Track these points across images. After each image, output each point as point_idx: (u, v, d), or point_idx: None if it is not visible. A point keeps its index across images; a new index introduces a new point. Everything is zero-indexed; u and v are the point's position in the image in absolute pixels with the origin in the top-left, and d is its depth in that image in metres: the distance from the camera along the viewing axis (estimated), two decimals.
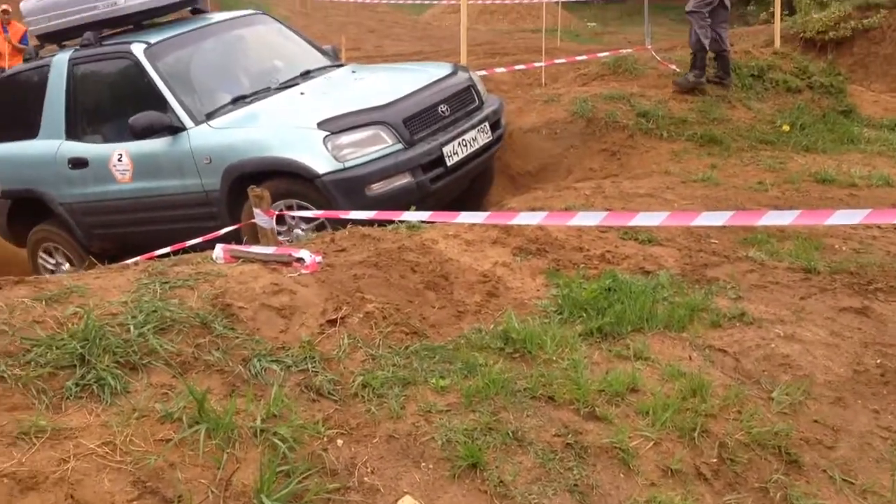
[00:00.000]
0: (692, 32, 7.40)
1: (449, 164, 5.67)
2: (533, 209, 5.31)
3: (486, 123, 6.09)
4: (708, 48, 7.48)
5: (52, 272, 6.96)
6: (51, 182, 6.50)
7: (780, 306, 3.66)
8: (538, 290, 3.80)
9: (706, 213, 3.33)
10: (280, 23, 7.14)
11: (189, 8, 6.90)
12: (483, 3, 23.95)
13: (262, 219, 3.72)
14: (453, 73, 6.18)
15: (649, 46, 8.45)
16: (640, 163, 6.79)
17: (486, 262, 4.00)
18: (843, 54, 13.64)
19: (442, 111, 5.82)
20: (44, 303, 3.04)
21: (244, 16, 6.87)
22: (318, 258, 3.68)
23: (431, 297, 3.61)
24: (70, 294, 3.14)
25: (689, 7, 7.37)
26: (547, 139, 7.24)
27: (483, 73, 8.97)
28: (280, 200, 5.50)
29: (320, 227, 5.49)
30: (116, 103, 6.43)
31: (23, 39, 12.69)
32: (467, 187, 6.37)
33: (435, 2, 26.36)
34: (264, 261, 3.66)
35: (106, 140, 6.31)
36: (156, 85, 5.92)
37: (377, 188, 5.36)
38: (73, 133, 6.44)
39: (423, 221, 4.05)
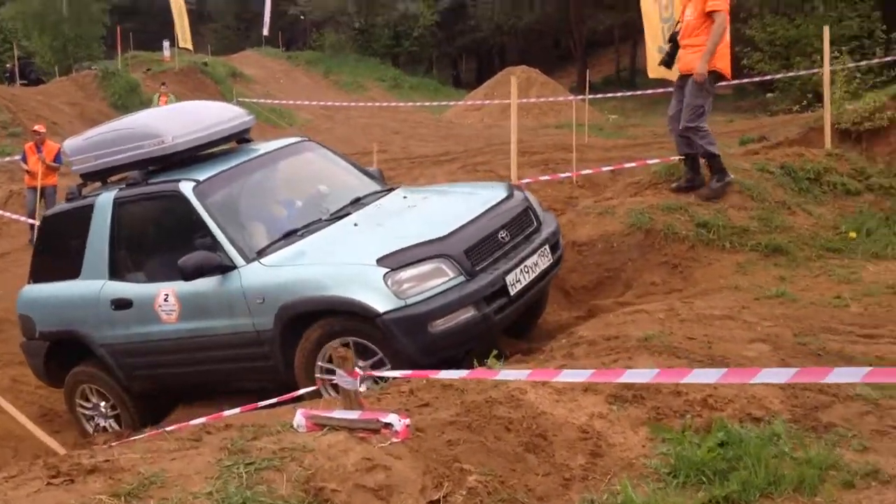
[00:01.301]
0: (697, 147, 7.28)
1: (512, 293, 5.45)
2: (607, 338, 5.05)
3: (546, 246, 5.89)
4: (717, 152, 7.39)
5: (91, 417, 6.73)
6: (92, 323, 6.33)
7: None
8: (644, 446, 3.50)
9: (767, 371, 2.98)
10: (326, 148, 7.05)
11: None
12: (503, 102, 24.24)
13: (346, 380, 3.47)
14: (510, 196, 6.02)
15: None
16: (703, 276, 6.55)
17: (582, 413, 3.72)
18: (878, 143, 13.45)
19: (502, 238, 5.63)
20: (123, 500, 2.77)
21: (291, 144, 6.78)
22: (407, 421, 3.41)
23: (533, 462, 3.32)
24: (149, 486, 2.88)
25: (686, 124, 7.24)
26: (603, 253, 7.03)
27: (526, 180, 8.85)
28: (336, 339, 5.32)
29: (378, 365, 5.26)
30: (163, 242, 6.31)
31: (57, 158, 12.80)
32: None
33: (453, 102, 26.78)
34: (350, 427, 3.40)
35: (151, 279, 6.15)
36: (205, 223, 5.79)
37: (440, 324, 5.13)
38: (116, 273, 6.29)
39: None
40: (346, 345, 5.30)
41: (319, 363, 5.38)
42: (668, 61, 7.68)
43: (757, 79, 20.17)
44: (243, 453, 3.14)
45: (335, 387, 5.43)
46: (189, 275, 5.55)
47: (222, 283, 5.66)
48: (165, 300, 5.93)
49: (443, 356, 5.31)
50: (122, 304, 6.15)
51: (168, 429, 4.11)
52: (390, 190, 6.54)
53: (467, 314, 5.20)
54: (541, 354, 5.35)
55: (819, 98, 18.94)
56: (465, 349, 5.43)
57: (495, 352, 4.54)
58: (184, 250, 5.64)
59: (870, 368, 2.77)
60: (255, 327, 5.58)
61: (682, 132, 7.35)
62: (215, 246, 5.70)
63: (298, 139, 6.99)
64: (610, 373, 3.41)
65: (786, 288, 5.90)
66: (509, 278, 5.44)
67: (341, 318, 5.27)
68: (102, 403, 6.65)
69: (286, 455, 3.12)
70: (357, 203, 6.22)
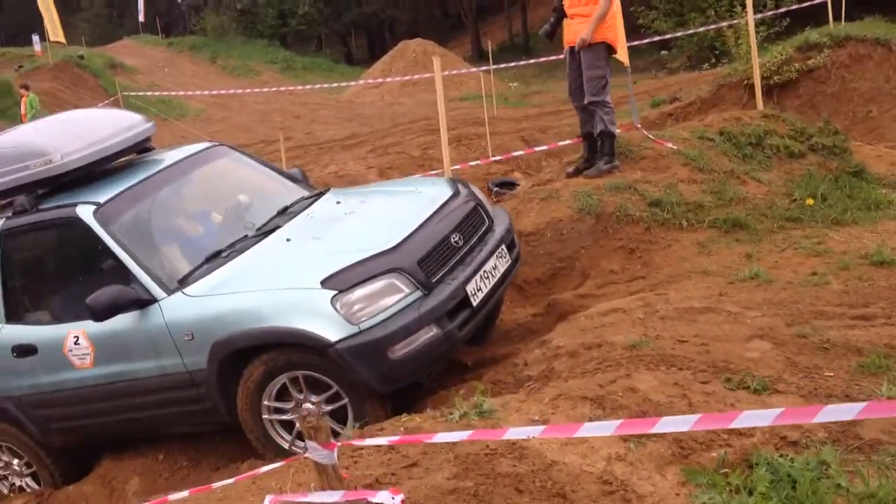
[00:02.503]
0: (598, 121, 6.94)
1: (475, 303, 4.88)
2: (588, 346, 4.55)
3: (503, 246, 5.34)
4: (616, 133, 7.13)
5: (3, 477, 5.87)
6: None
7: None
8: (678, 495, 3.01)
9: (748, 413, 2.52)
10: (241, 152, 6.29)
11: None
12: (404, 79, 23.59)
13: (321, 454, 2.84)
14: (456, 194, 5.42)
15: (638, 126, 7.89)
16: (665, 260, 6.13)
17: (597, 458, 3.20)
18: (787, 96, 13.50)
19: (455, 242, 5.04)
20: None
21: (201, 151, 5.97)
22: (401, 498, 2.81)
23: None
24: None
25: (592, 98, 6.93)
26: (553, 241, 6.52)
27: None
28: (283, 374, 4.67)
29: (334, 399, 4.64)
30: (65, 277, 5.48)
31: None
32: None
33: (353, 83, 25.87)
34: None
35: (56, 320, 5.34)
36: (113, 252, 5.00)
37: (401, 349, 4.51)
38: (14, 315, 5.42)
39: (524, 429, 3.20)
40: (295, 380, 4.67)
41: (266, 402, 4.72)
42: (549, 31, 7.24)
43: (657, 38, 20.02)
44: None
45: (286, 426, 4.80)
46: (100, 314, 4.77)
47: (141, 320, 4.90)
48: (76, 343, 5.13)
49: (405, 383, 4.74)
50: (24, 350, 5.30)
51: None
52: (319, 194, 5.84)
53: (429, 334, 4.60)
54: (515, 368, 4.85)
55: (721, 54, 19.07)
56: (429, 372, 4.86)
57: (481, 387, 3.96)
58: (90, 285, 4.88)
59: (864, 404, 2.31)
60: (186, 367, 4.85)
61: (589, 105, 6.99)
62: (128, 277, 4.93)
63: (208, 144, 6.19)
64: (640, 422, 2.88)
65: (757, 268, 5.52)
66: (469, 287, 4.87)
67: (287, 351, 4.61)
68: (15, 461, 5.79)
69: None
70: (285, 213, 5.51)
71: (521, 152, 10.04)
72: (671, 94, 15.43)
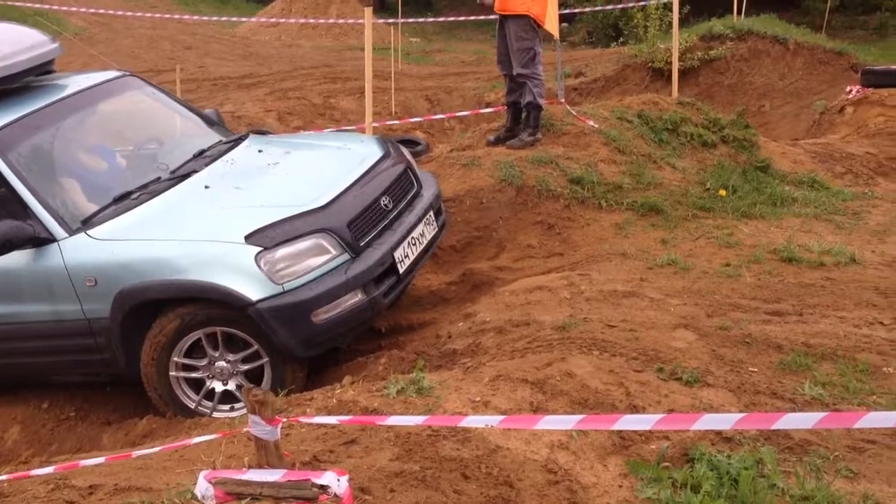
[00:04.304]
0: (528, 92, 6.89)
1: (401, 270, 4.75)
2: (516, 324, 4.51)
3: (431, 213, 5.21)
4: (543, 106, 7.08)
5: None
6: None
7: None
8: (621, 486, 3.00)
9: (710, 416, 2.56)
10: (153, 86, 5.84)
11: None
12: (306, 21, 22.81)
13: (263, 429, 2.66)
14: (386, 155, 5.22)
15: (562, 100, 7.85)
16: (583, 238, 6.14)
17: (541, 445, 3.14)
18: (689, 84, 13.84)
19: (385, 205, 4.87)
20: None
21: (110, 80, 5.51)
22: (346, 479, 2.67)
23: None
24: None
25: (521, 70, 6.84)
26: (472, 209, 6.42)
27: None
28: (198, 330, 4.41)
29: (252, 358, 4.43)
30: None
31: None
32: None
33: (245, 19, 24.75)
34: (276, 497, 2.62)
35: None
36: (9, 184, 4.57)
37: (324, 313, 4.34)
38: None
39: (487, 422, 3.08)
40: (211, 336, 4.42)
41: (175, 358, 4.45)
42: (490, 2, 7.08)
43: (564, 10, 20.07)
44: None
45: (193, 385, 4.55)
46: None
47: (37, 260, 4.52)
48: None
49: (327, 347, 4.57)
50: None
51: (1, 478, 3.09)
52: (238, 140, 5.51)
53: (354, 299, 4.44)
54: (438, 340, 4.76)
55: (623, 34, 19.35)
56: (351, 338, 4.70)
57: (421, 363, 3.83)
58: None
59: (822, 414, 2.38)
60: (84, 315, 4.51)
61: (518, 77, 6.90)
62: (25, 212, 4.52)
63: (118, 73, 5.73)
64: (601, 419, 2.83)
65: (674, 255, 5.61)
66: (398, 254, 4.72)
67: (203, 307, 4.34)
68: None
69: None
70: (202, 157, 5.18)
71: (440, 116, 9.75)
72: (576, 69, 15.51)
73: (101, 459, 3.02)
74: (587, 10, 20.72)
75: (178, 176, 4.93)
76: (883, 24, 20.21)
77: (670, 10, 17.65)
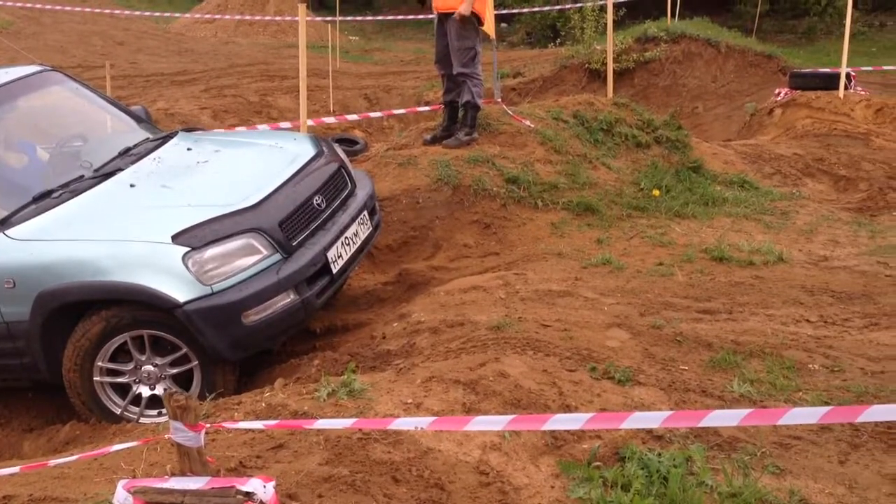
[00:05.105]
0: (466, 91, 6.90)
1: (334, 270, 4.67)
2: (450, 324, 4.47)
3: (365, 212, 5.15)
4: (481, 106, 7.10)
5: None
6: None
7: (828, 479, 3.13)
8: (553, 487, 2.98)
9: (639, 415, 2.60)
10: (77, 81, 5.66)
11: None
12: (242, 18, 22.46)
13: (186, 435, 2.57)
14: (319, 153, 5.14)
15: (499, 100, 7.84)
16: (519, 238, 6.15)
17: (473, 446, 3.11)
18: (624, 85, 14.01)
19: (318, 204, 4.79)
20: None
21: (30, 75, 5.31)
22: (273, 485, 2.60)
23: None
24: None
25: (461, 70, 6.82)
26: (408, 209, 6.38)
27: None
28: (123, 333, 4.27)
29: (180, 361, 4.31)
30: None
31: None
32: None
33: (179, 15, 24.25)
34: None
35: None
36: None
37: (255, 314, 4.25)
38: None
39: (417, 424, 3.03)
40: (137, 339, 4.28)
41: (99, 363, 4.30)
42: None
43: (503, 10, 20.16)
44: None
45: (118, 390, 4.41)
46: None
47: None
48: None
49: (257, 349, 4.48)
50: None
51: None
52: (166, 137, 5.37)
53: (286, 300, 4.36)
54: (372, 340, 4.69)
55: (560, 35, 19.51)
56: (283, 339, 4.62)
57: (353, 365, 3.77)
58: None
59: (747, 411, 2.42)
60: (3, 318, 4.34)
61: (458, 76, 6.88)
62: None
63: (39, 68, 5.52)
64: (532, 419, 2.81)
65: (609, 254, 5.65)
66: (331, 254, 4.65)
67: (128, 309, 4.21)
68: None
69: None
70: (128, 155, 5.03)
71: (378, 114, 9.68)
72: (514, 69, 15.58)
73: (15, 469, 2.89)
74: (525, 10, 20.80)
75: (102, 174, 4.78)
76: (811, 29, 20.77)
77: (606, 11, 18.04)
